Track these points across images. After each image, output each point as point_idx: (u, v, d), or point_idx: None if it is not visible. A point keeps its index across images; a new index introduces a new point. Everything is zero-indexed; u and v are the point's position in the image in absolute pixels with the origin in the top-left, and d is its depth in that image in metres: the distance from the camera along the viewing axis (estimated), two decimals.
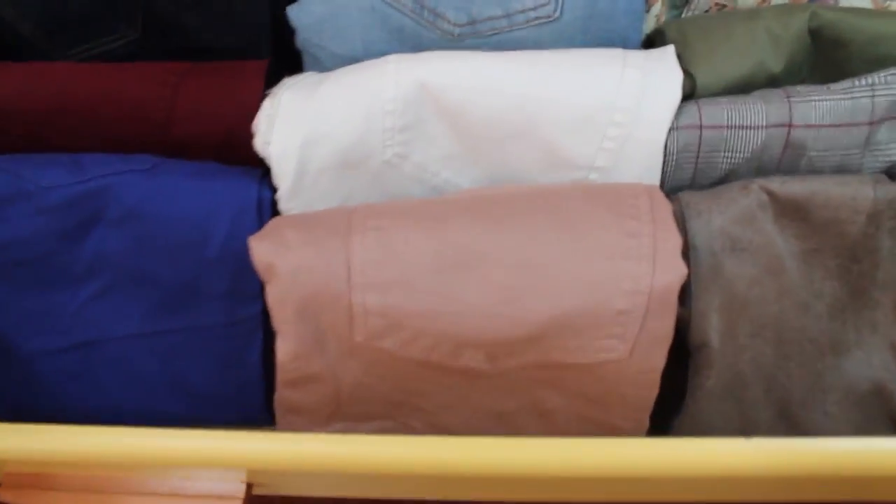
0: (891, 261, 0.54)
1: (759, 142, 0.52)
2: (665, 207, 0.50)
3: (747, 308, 0.52)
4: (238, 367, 0.56)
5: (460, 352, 0.49)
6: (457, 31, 0.55)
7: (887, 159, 0.53)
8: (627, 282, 0.48)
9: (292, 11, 0.55)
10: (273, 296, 0.48)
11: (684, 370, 0.55)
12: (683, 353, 0.54)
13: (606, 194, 0.50)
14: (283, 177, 0.52)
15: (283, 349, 0.50)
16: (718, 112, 0.53)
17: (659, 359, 0.50)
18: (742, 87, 0.54)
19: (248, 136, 0.53)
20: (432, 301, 0.48)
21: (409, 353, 0.49)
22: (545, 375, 0.51)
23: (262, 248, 0.48)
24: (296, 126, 0.51)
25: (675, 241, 0.49)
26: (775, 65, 0.55)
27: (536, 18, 0.55)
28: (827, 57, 0.56)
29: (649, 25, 0.59)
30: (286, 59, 0.57)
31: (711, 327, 0.52)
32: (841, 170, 0.54)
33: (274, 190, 0.53)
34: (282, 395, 0.52)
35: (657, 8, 0.58)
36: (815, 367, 0.55)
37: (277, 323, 0.49)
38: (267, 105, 0.52)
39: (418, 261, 0.48)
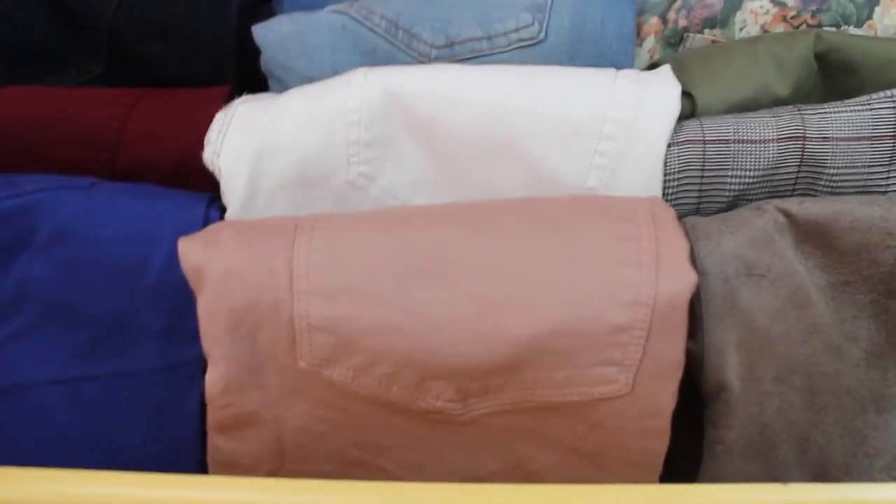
0: None
1: (770, 158, 0.47)
2: (668, 212, 0.43)
3: (770, 346, 0.44)
4: (171, 423, 0.47)
5: (426, 385, 0.41)
6: (433, 53, 0.51)
7: None
8: (625, 291, 0.40)
9: (258, 30, 0.51)
10: (202, 307, 0.41)
11: (700, 425, 0.46)
12: (698, 405, 0.46)
13: (599, 201, 0.44)
14: (232, 192, 0.46)
15: (213, 376, 0.42)
16: (723, 125, 0.47)
17: (667, 397, 0.42)
18: (746, 110, 0.49)
19: (203, 164, 0.48)
20: (390, 313, 0.40)
21: (364, 387, 0.41)
22: (530, 424, 0.42)
23: (192, 249, 0.41)
24: (249, 136, 0.46)
25: (681, 244, 0.42)
26: (781, 88, 0.50)
27: (519, 41, 0.51)
28: (837, 84, 0.52)
29: (642, 61, 0.55)
30: (254, 90, 0.53)
31: (729, 367, 0.44)
32: (865, 191, 0.48)
33: (223, 211, 0.47)
34: (213, 444, 0.44)
35: (650, 42, 0.54)
36: (856, 425, 0.46)
37: (207, 343, 0.41)
38: (220, 117, 0.47)
39: (374, 264, 0.40)
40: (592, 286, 0.40)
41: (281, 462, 0.44)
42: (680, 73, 0.50)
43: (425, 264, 0.40)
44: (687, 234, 0.44)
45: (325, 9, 0.52)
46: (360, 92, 0.46)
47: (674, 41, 0.56)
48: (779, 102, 0.50)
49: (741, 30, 0.55)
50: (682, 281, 0.40)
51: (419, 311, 0.40)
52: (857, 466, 0.46)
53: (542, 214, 0.42)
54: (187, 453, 0.47)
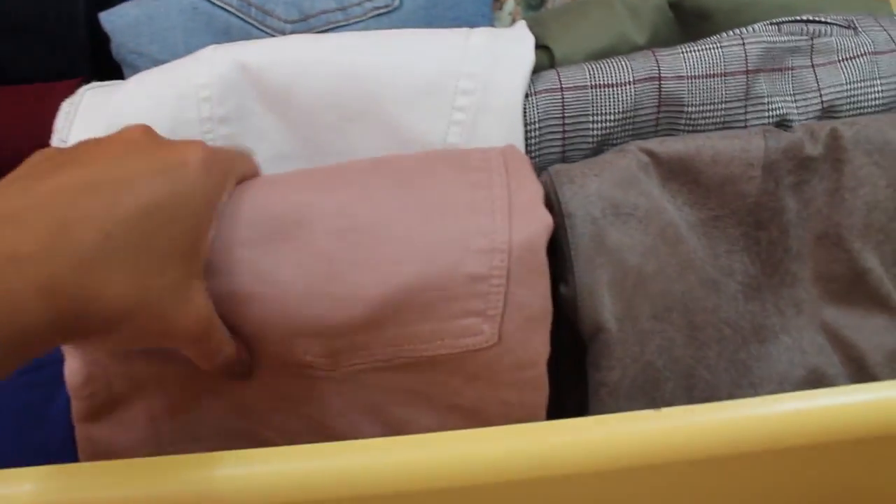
0: (800, 225, 0.47)
1: (628, 100, 0.47)
2: (521, 159, 0.43)
3: (645, 284, 0.44)
4: (37, 427, 0.45)
5: (293, 342, 0.39)
6: (288, 28, 0.50)
7: (773, 114, 0.48)
8: (479, 239, 0.39)
9: (105, 16, 0.49)
10: None
11: (583, 372, 0.45)
12: (580, 351, 0.46)
13: (451, 154, 0.43)
14: None
15: (72, 366, 0.40)
16: (579, 72, 0.47)
17: (539, 345, 0.41)
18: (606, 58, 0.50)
19: None
20: (240, 283, 0.38)
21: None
22: (406, 382, 0.41)
23: None
24: (97, 119, 0.45)
25: (535, 188, 0.41)
26: (638, 36, 0.51)
27: (374, 9, 0.51)
28: (693, 30, 0.52)
29: (504, 24, 0.55)
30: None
31: (604, 307, 0.43)
32: (726, 128, 0.48)
33: None
34: (85, 437, 0.42)
35: (510, 5, 0.55)
36: (739, 357, 0.46)
37: None
38: (66, 104, 0.46)
39: (222, 236, 0.39)
40: (446, 238, 0.39)
41: (159, 445, 0.42)
42: (538, 29, 0.50)
43: (276, 230, 0.39)
44: (549, 179, 0.44)
45: None
46: (208, 67, 0.45)
47: (535, 3, 0.56)
48: (636, 50, 0.50)
49: None
50: (537, 224, 0.40)
51: (269, 278, 0.38)
52: (742, 397, 0.45)
53: (393, 170, 0.42)
54: (59, 459, 0.45)
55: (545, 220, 0.40)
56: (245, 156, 0.42)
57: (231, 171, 0.40)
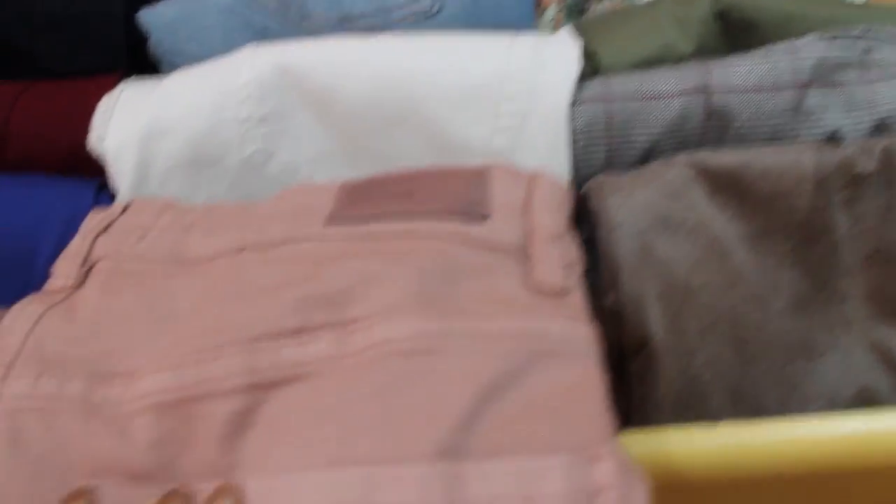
0: (851, 242, 0.46)
1: (676, 112, 0.46)
2: None
3: (692, 297, 0.43)
4: None
5: None
6: (327, 29, 0.49)
7: (823, 130, 0.47)
8: None
9: (144, 15, 0.49)
10: None
11: (625, 386, 0.44)
12: (623, 365, 0.44)
13: None
14: (121, 176, 0.44)
15: None
16: (626, 81, 0.46)
17: None
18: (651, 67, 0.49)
19: (94, 157, 0.46)
20: None
21: None
22: None
23: None
24: (136, 116, 0.44)
25: None
26: (685, 46, 0.50)
27: (415, 13, 0.50)
28: (740, 42, 0.51)
29: (545, 31, 0.54)
30: None
31: (650, 320, 0.42)
32: (774, 142, 0.47)
33: (114, 197, 0.45)
34: None
35: (552, 11, 0.54)
36: (786, 374, 0.45)
37: None
38: (104, 101, 0.45)
39: None
40: None
41: None
42: (581, 37, 0.49)
43: None
44: (594, 189, 0.43)
45: None
46: (249, 67, 0.45)
47: (576, 10, 0.55)
48: (683, 60, 0.50)
49: None
50: None
51: None
52: (790, 414, 0.44)
53: None
54: None
55: None
56: None
57: None
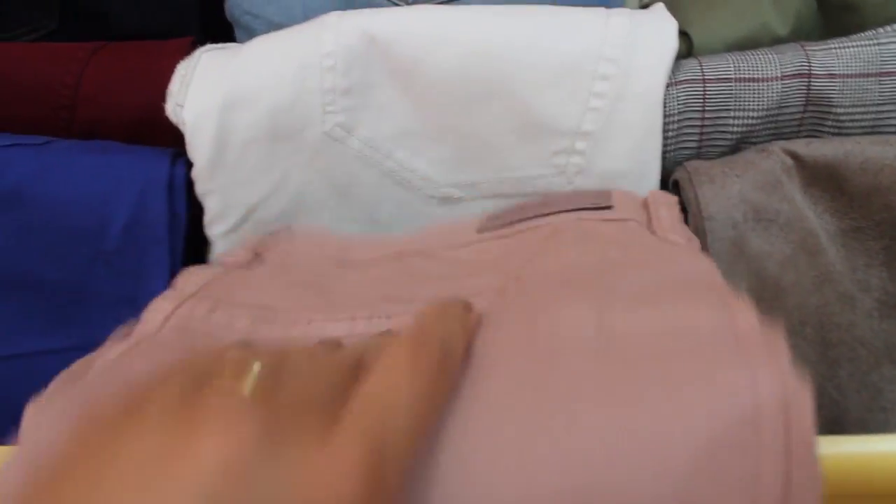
0: None
1: (774, 96, 0.44)
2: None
3: (783, 296, 0.42)
4: None
5: None
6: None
7: None
8: None
9: None
10: None
11: None
12: None
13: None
14: (199, 148, 0.42)
15: None
16: (722, 63, 0.44)
17: None
18: (745, 49, 0.46)
19: (167, 120, 0.44)
20: None
21: None
22: None
23: None
24: (215, 85, 0.42)
25: None
26: (781, 27, 0.47)
27: None
28: (837, 23, 0.49)
29: (633, 3, 0.52)
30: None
31: None
32: (875, 132, 0.45)
33: (190, 167, 0.43)
34: None
35: None
36: (871, 378, 0.44)
37: None
38: (182, 67, 0.43)
39: None
40: None
41: None
42: (674, 13, 0.47)
43: None
44: (687, 177, 0.42)
45: None
46: (334, 36, 0.43)
47: None
48: (778, 42, 0.47)
49: None
50: None
51: None
52: (873, 421, 0.43)
53: None
54: None
55: None
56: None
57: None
